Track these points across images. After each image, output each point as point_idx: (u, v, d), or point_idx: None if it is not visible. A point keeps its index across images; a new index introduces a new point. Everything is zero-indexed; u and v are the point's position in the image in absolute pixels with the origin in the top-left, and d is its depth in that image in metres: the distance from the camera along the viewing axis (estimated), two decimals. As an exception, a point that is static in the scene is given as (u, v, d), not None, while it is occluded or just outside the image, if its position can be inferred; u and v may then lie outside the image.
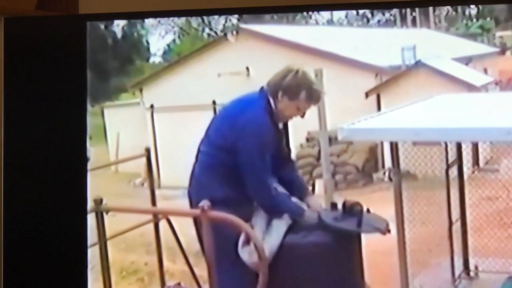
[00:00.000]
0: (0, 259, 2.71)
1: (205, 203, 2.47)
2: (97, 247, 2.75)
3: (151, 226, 2.90)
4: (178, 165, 2.89)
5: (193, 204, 2.57)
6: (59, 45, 2.75)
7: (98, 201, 2.72)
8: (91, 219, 2.72)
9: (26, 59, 2.74)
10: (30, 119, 2.73)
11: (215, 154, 2.55)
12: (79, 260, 2.71)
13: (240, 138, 2.47)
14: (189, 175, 2.60)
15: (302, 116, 2.53)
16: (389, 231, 2.53)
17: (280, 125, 2.58)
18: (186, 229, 2.76)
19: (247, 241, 2.47)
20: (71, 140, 2.73)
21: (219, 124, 2.58)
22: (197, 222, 2.57)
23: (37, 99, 2.73)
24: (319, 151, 3.14)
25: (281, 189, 2.58)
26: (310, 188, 3.12)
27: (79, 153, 2.74)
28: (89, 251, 2.72)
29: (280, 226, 2.52)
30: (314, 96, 2.50)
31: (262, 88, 2.53)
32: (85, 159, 2.76)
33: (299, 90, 2.47)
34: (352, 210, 2.48)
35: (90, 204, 2.71)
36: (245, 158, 2.47)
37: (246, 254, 2.47)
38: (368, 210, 2.52)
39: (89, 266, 2.76)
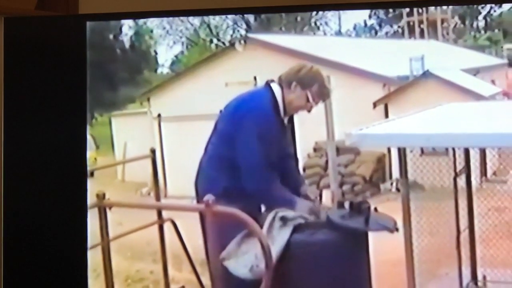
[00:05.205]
0: (0, 259, 2.71)
1: (209, 197, 2.43)
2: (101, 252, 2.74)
3: (157, 235, 2.89)
4: (185, 174, 2.88)
5: (199, 198, 2.60)
6: (59, 45, 2.77)
7: (101, 196, 2.71)
8: (92, 216, 2.72)
9: (26, 59, 2.76)
10: (30, 119, 2.74)
11: (217, 144, 2.64)
12: (79, 263, 2.70)
13: (239, 127, 2.57)
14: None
15: (309, 111, 2.67)
16: (397, 229, 2.52)
17: (285, 121, 2.67)
18: (192, 236, 2.75)
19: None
20: (71, 140, 2.74)
21: (223, 114, 2.69)
22: (203, 221, 2.54)
23: (37, 99, 2.75)
24: (327, 161, 3.13)
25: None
26: (318, 197, 3.12)
27: (79, 153, 2.74)
28: (93, 255, 2.71)
29: (284, 233, 2.50)
30: (324, 92, 2.68)
31: (267, 82, 2.66)
32: (85, 159, 2.76)
33: (313, 81, 2.65)
34: (359, 208, 2.48)
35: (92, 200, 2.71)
36: (243, 146, 2.56)
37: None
38: (375, 209, 2.52)
39: (94, 275, 2.74)
